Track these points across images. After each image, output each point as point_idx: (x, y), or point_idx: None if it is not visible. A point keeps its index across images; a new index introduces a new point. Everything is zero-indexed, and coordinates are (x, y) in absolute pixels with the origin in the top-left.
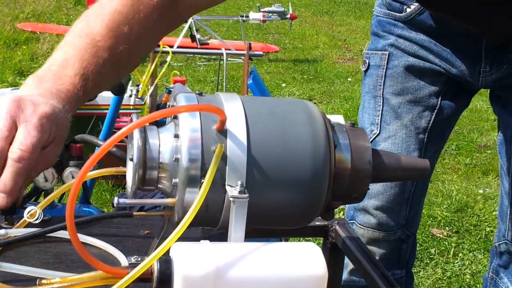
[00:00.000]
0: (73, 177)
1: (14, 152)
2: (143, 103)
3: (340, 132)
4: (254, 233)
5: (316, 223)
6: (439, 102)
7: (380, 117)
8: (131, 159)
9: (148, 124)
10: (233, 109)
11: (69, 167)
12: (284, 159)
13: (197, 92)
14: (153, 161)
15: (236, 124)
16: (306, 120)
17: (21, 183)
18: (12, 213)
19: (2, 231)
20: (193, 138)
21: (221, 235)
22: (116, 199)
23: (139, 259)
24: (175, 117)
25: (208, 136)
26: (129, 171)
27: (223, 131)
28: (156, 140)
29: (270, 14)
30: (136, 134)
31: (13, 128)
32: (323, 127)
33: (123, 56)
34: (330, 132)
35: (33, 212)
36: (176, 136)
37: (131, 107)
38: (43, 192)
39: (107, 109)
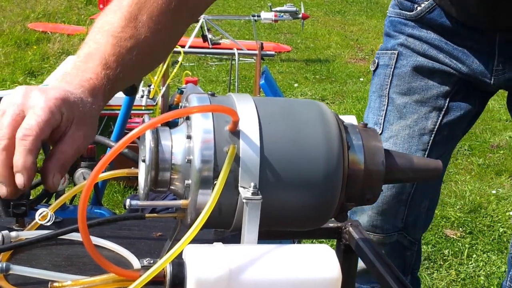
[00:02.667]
0: (84, 178)
1: (19, 131)
2: (154, 103)
3: (353, 133)
4: (267, 235)
5: (329, 224)
6: (446, 103)
7: (383, 117)
8: (143, 161)
9: (160, 125)
10: (246, 110)
11: (80, 168)
12: (297, 160)
13: (210, 92)
14: (166, 163)
15: (249, 125)
16: (319, 121)
17: (32, 159)
18: (23, 215)
19: (14, 233)
20: (205, 139)
21: (234, 237)
22: (128, 201)
23: (152, 261)
24: (188, 118)
25: (221, 137)
26: (141, 172)
27: (235, 132)
28: (169, 141)
29: (282, 13)
30: (149, 135)
31: (21, 116)
32: (336, 128)
33: (145, 46)
34: (343, 133)
35: (44, 214)
36: (189, 137)
37: (143, 107)
38: (54, 194)
39: (119, 109)
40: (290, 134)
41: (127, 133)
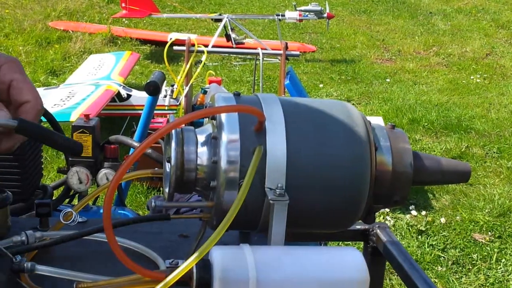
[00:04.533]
0: (107, 179)
1: None
2: (178, 103)
3: (380, 134)
4: (293, 238)
5: (357, 227)
6: None
7: None
8: (168, 161)
9: (185, 125)
10: (272, 110)
11: (103, 169)
12: (324, 162)
13: (235, 92)
14: (191, 163)
15: (275, 126)
16: (346, 122)
17: None
18: (47, 215)
19: (38, 234)
20: (232, 140)
21: (259, 238)
22: (152, 201)
23: (177, 262)
24: (213, 118)
25: (247, 138)
26: (166, 173)
27: (262, 133)
28: (194, 142)
29: (307, 13)
30: (174, 135)
31: None
32: (363, 129)
33: None
34: (370, 134)
35: (69, 214)
36: (215, 137)
37: (166, 107)
38: (77, 195)
39: (141, 109)
40: (317, 134)
41: (150, 133)
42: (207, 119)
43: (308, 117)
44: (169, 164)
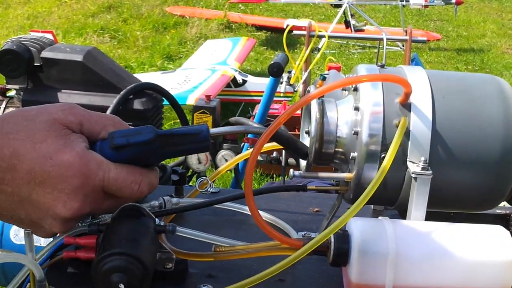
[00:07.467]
0: (226, 161)
1: None
2: (294, 90)
3: None
4: (427, 218)
5: (496, 211)
6: None
7: None
8: (307, 132)
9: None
10: (418, 82)
11: (222, 150)
12: (471, 138)
13: (379, 64)
14: (331, 135)
15: (421, 98)
16: (498, 97)
17: None
18: (182, 183)
19: (174, 200)
20: (375, 111)
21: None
22: (291, 171)
23: (309, 234)
24: (355, 89)
25: (391, 110)
26: (305, 144)
27: (406, 105)
28: (335, 113)
29: None
30: (315, 106)
31: None
32: None
33: None
34: None
35: (204, 182)
36: (356, 109)
37: (282, 94)
38: (195, 174)
39: (257, 95)
40: (466, 109)
41: (269, 118)
42: (348, 90)
43: (456, 90)
44: (307, 135)
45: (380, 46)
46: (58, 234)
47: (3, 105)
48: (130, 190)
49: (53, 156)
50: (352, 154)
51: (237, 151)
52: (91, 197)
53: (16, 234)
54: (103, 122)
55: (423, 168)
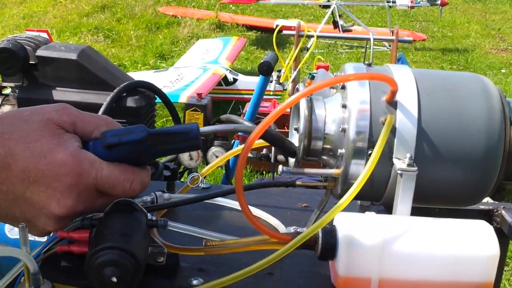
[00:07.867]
0: (216, 157)
1: None
2: (284, 89)
3: None
4: (413, 213)
5: (480, 206)
6: None
7: None
8: (296, 129)
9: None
10: (404, 80)
11: (213, 147)
12: (456, 134)
13: (366, 63)
14: (319, 132)
15: (407, 96)
16: (482, 96)
17: None
18: (173, 178)
19: (166, 195)
20: (362, 109)
21: (378, 213)
22: (280, 167)
23: (298, 229)
24: (343, 87)
25: (377, 108)
26: (294, 141)
27: (392, 103)
28: (323, 111)
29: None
30: (303, 104)
31: None
32: (499, 102)
33: None
34: (506, 109)
35: (195, 178)
36: (344, 106)
37: (271, 92)
38: (187, 171)
39: (247, 94)
40: (450, 107)
41: (259, 116)
42: (336, 88)
43: (441, 88)
44: (296, 132)
45: (367, 46)
46: (52, 234)
47: None
48: (122, 188)
49: (47, 155)
50: (339, 151)
51: (228, 148)
52: (84, 195)
53: (11, 229)
54: (96, 122)
55: (408, 165)
